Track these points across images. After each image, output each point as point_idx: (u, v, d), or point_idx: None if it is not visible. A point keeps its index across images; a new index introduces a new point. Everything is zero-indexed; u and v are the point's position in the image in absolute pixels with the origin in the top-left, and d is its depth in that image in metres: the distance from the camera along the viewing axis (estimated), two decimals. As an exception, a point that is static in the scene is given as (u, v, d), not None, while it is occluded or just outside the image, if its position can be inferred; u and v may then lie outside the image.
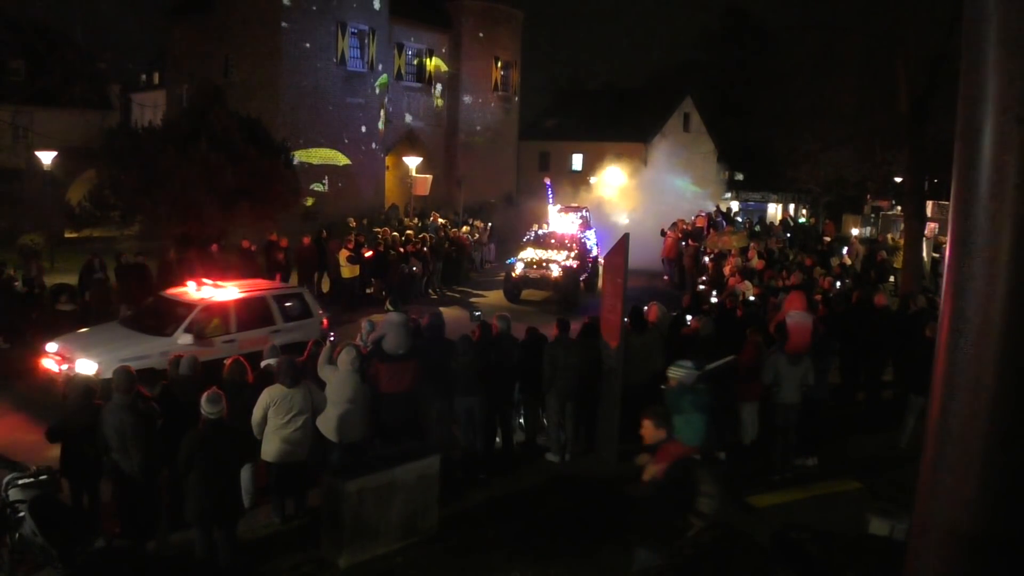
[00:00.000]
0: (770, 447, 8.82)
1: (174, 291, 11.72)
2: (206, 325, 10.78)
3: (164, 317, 11.00)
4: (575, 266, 18.88)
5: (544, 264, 18.72)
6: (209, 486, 5.85)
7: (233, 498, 6.22)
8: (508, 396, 9.04)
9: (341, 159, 30.33)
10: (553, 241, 19.98)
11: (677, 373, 6.65)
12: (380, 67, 32.43)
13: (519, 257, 19.41)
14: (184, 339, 10.29)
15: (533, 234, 20.86)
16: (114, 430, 6.17)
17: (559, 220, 21.52)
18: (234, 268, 16.69)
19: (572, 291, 18.30)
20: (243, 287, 11.86)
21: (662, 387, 6.70)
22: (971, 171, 1.83)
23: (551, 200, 22.49)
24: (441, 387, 8.25)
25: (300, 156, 26.34)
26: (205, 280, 11.65)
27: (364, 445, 7.56)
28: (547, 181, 22.96)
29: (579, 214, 22.44)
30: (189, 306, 10.90)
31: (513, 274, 18.90)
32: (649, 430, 5.42)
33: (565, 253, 19.24)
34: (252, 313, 11.35)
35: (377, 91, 32.38)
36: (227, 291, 11.32)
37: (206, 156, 19.32)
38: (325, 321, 12.22)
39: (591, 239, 21.43)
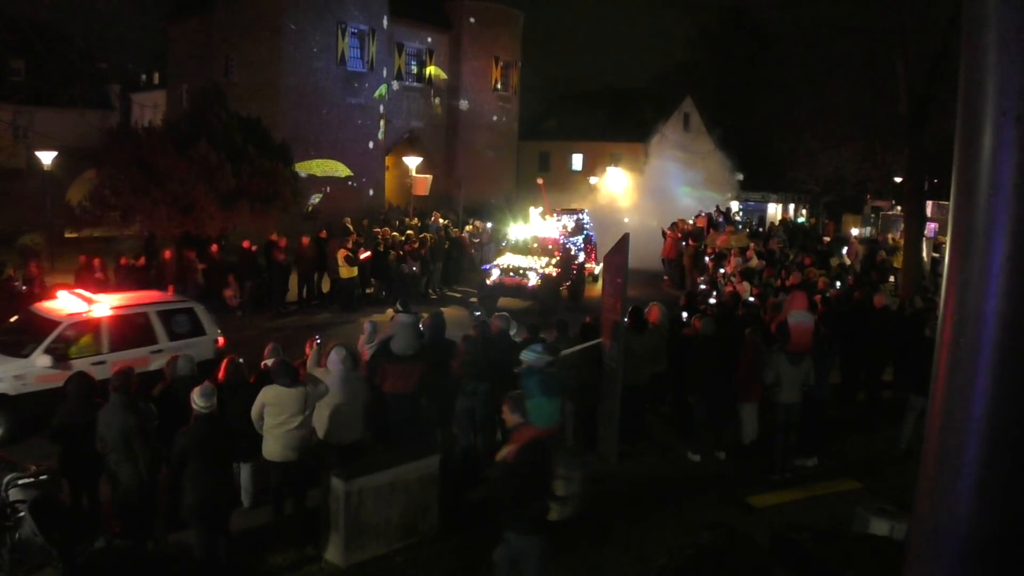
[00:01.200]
0: (770, 447, 8.82)
1: (44, 305, 10.49)
2: (71, 345, 9.60)
3: (26, 334, 9.81)
4: (555, 274, 17.51)
5: (521, 272, 17.34)
6: (203, 481, 5.85)
7: (227, 493, 6.23)
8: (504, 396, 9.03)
9: (343, 170, 30.34)
10: (536, 246, 18.67)
11: (528, 357, 6.54)
12: (380, 68, 32.43)
13: (495, 263, 18.20)
14: (42, 361, 9.18)
15: (513, 239, 19.85)
16: (117, 431, 6.15)
17: (541, 224, 20.25)
18: (233, 268, 16.73)
19: (550, 301, 16.91)
20: (122, 301, 10.59)
21: (515, 371, 6.68)
22: (971, 171, 1.83)
23: (545, 201, 21.67)
24: (442, 387, 8.25)
25: (302, 168, 26.34)
26: (81, 292, 10.56)
27: (362, 445, 7.55)
28: (540, 182, 21.91)
29: (575, 217, 21.75)
30: (54, 323, 9.66)
31: (487, 281, 17.49)
32: (507, 414, 5.46)
33: (545, 260, 17.87)
34: (129, 331, 10.08)
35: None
36: (101, 305, 10.03)
37: (206, 156, 19.34)
38: (221, 339, 10.95)
39: (579, 244, 20.22)
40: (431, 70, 36.50)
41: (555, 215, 21.11)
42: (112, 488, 6.39)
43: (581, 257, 20.04)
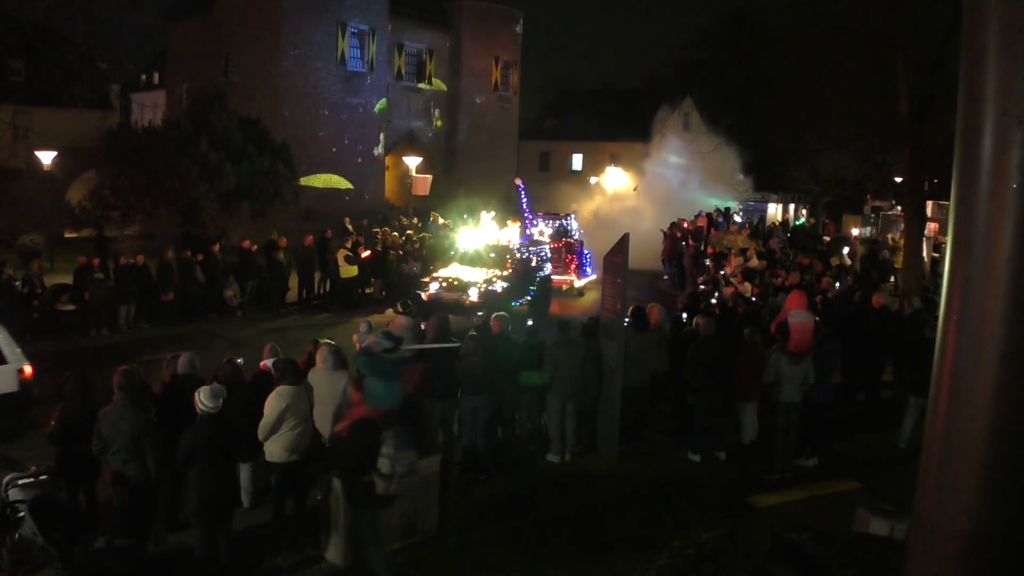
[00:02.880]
0: (770, 447, 8.82)
1: None
2: None
3: None
4: (501, 290, 15.22)
5: (461, 285, 15.29)
6: (208, 481, 5.85)
7: (232, 493, 6.23)
8: (509, 396, 9.04)
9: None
10: (493, 256, 16.62)
11: (374, 339, 6.82)
12: (380, 68, 32.44)
13: (435, 275, 16.26)
14: None
15: (462, 247, 17.70)
16: (127, 431, 6.13)
17: (496, 231, 17.98)
18: (233, 268, 16.73)
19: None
20: None
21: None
22: (971, 171, 1.83)
23: (524, 204, 19.57)
24: (444, 387, 8.25)
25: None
26: None
27: None
28: (519, 182, 19.71)
29: (558, 222, 20.11)
30: None
31: (423, 295, 15.33)
32: (352, 393, 6.15)
33: (494, 272, 15.87)
34: None
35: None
36: None
37: (206, 156, 19.37)
38: (28, 368, 9.23)
39: (544, 254, 17.93)
40: (432, 82, 36.61)
41: (534, 219, 19.32)
42: (116, 487, 6.39)
43: (548, 268, 17.84)
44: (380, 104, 32.30)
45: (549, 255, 18.24)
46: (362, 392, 6.02)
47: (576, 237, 20.55)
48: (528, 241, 18.29)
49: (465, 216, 23.47)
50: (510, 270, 16.05)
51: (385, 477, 5.46)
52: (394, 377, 6.06)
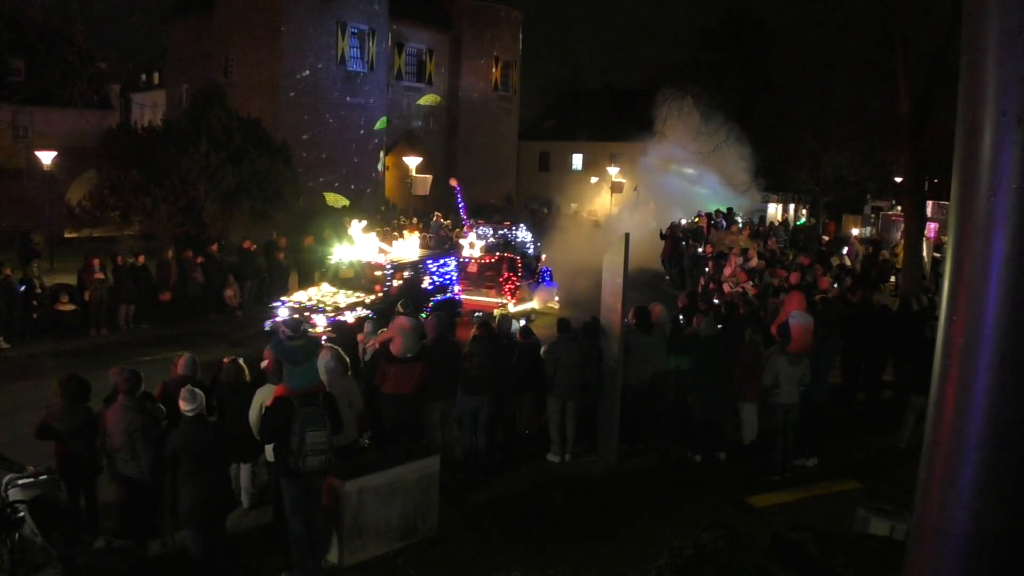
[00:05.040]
0: (770, 447, 8.82)
1: None
2: None
3: None
4: (354, 320, 12.07)
5: (309, 311, 12.32)
6: (197, 483, 5.87)
7: (224, 494, 6.24)
8: (509, 396, 9.05)
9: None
10: (379, 275, 13.44)
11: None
12: (380, 68, 32.45)
13: (291, 297, 13.40)
14: None
15: (334, 263, 14.40)
16: (123, 431, 6.14)
17: (367, 243, 14.37)
18: (233, 268, 16.73)
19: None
20: None
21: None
22: (971, 171, 1.83)
23: (461, 207, 16.98)
24: (445, 387, 8.25)
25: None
26: None
27: (357, 448, 7.51)
28: (454, 183, 16.73)
29: (501, 232, 17.35)
30: None
31: (267, 322, 12.62)
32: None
33: (359, 296, 12.90)
34: None
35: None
36: None
37: (206, 156, 19.39)
38: None
39: (446, 273, 14.30)
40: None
41: (472, 227, 16.68)
42: (116, 487, 6.39)
43: (455, 290, 14.58)
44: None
45: (456, 274, 14.70)
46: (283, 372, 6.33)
47: (531, 252, 17.21)
48: (431, 255, 14.83)
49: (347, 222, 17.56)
50: (379, 294, 12.98)
51: (293, 453, 5.80)
52: (299, 361, 6.22)
